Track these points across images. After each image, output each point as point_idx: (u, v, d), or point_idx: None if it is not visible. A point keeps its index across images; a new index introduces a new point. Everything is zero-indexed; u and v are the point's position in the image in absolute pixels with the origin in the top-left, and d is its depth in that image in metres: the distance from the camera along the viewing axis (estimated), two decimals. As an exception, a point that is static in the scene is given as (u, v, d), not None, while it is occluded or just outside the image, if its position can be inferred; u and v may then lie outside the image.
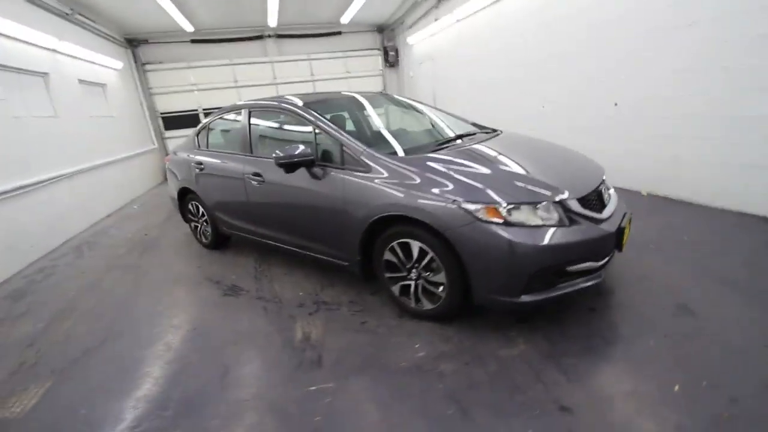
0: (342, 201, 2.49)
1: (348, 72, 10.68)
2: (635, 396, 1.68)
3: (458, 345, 2.13)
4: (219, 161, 3.52)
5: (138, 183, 7.96)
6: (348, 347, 2.22)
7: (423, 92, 9.62)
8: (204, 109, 9.75)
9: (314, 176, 2.64)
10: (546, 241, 1.92)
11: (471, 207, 1.98)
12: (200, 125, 3.96)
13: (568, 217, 2.03)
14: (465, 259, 2.02)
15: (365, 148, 2.47)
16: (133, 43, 8.80)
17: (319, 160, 2.63)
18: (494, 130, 3.20)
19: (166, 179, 5.01)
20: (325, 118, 2.74)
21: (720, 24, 3.32)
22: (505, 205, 1.95)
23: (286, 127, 3.16)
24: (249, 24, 9.14)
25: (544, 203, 1.99)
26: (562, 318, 2.26)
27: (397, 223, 2.29)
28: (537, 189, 2.07)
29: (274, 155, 2.65)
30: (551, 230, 1.96)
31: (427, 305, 2.33)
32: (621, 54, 4.28)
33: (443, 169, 2.21)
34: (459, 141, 2.84)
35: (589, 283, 2.08)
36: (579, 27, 4.78)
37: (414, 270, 2.31)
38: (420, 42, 9.22)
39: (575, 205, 2.08)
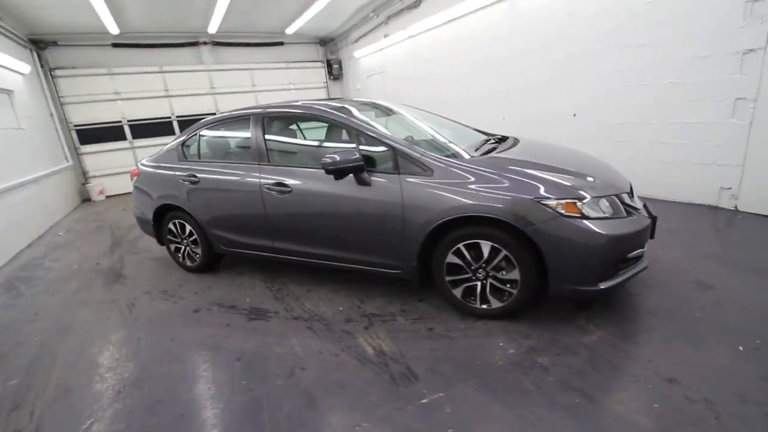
0: (400, 206, 2.42)
1: (292, 83, 10.40)
2: (717, 359, 1.90)
3: (540, 339, 2.20)
4: (221, 173, 3.17)
5: (55, 206, 6.73)
6: (431, 355, 2.14)
7: (372, 105, 9.75)
8: (129, 121, 8.66)
9: (362, 182, 2.53)
10: (618, 231, 2.10)
11: (552, 203, 2.08)
12: (186, 133, 3.52)
13: (624, 209, 2.25)
14: (546, 254, 2.11)
15: (425, 151, 2.45)
16: (39, 44, 7.50)
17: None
18: (506, 137, 3.38)
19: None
20: (368, 123, 2.66)
21: (667, 46, 3.99)
22: (586, 199, 2.09)
23: (314, 133, 2.99)
24: (185, 29, 8.42)
25: (609, 196, 2.19)
26: (612, 304, 2.47)
27: (465, 225, 2.30)
28: (598, 184, 2.26)
29: (323, 161, 2.47)
30: (618, 221, 2.15)
31: (495, 304, 2.37)
32: (578, 68, 4.88)
33: (510, 168, 2.30)
34: (490, 145, 2.95)
35: (640, 268, 2.31)
36: (536, 42, 5.33)
37: (481, 270, 2.34)
38: (368, 56, 9.38)
39: (627, 198, 2.32)
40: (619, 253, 2.13)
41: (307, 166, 2.79)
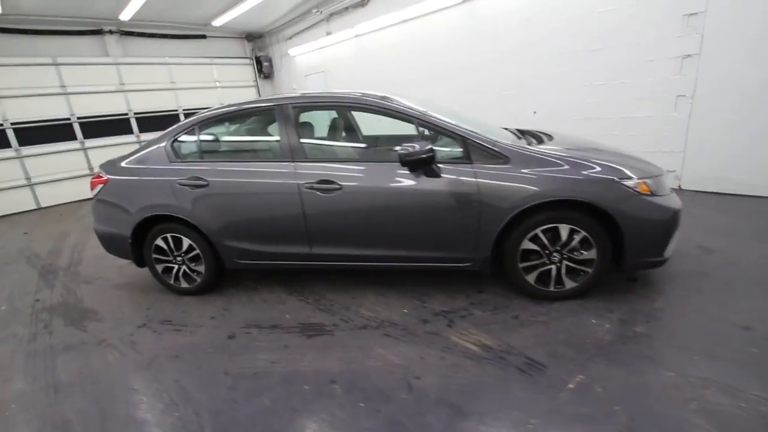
0: (477, 196, 2.36)
1: (217, 81, 9.43)
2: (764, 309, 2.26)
3: (621, 311, 2.35)
4: (240, 174, 2.72)
5: None
6: (537, 342, 2.14)
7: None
8: (14, 124, 6.90)
9: (431, 174, 2.41)
10: (675, 205, 2.36)
11: (630, 183, 2.25)
12: (177, 128, 2.93)
13: (666, 186, 2.54)
14: (625, 231, 2.27)
15: (497, 139, 2.43)
16: None
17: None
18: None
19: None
20: (430, 113, 2.54)
21: (618, 51, 4.62)
22: (653, 178, 2.30)
23: (357, 124, 2.73)
24: (88, 14, 7.04)
25: (660, 176, 2.44)
26: (646, 278, 2.76)
27: (543, 210, 2.35)
28: (650, 166, 2.50)
29: (401, 152, 2.28)
30: (669, 196, 2.41)
31: (570, 285, 2.47)
32: (538, 71, 5.36)
33: (581, 154, 2.41)
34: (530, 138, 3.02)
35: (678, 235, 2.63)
36: (495, 43, 5.71)
37: (556, 254, 2.42)
38: (306, 54, 8.99)
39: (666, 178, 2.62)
40: (676, 223, 2.40)
41: (360, 160, 2.56)
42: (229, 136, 3.06)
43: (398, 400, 1.82)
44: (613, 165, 2.32)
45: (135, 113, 8.28)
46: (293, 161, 2.64)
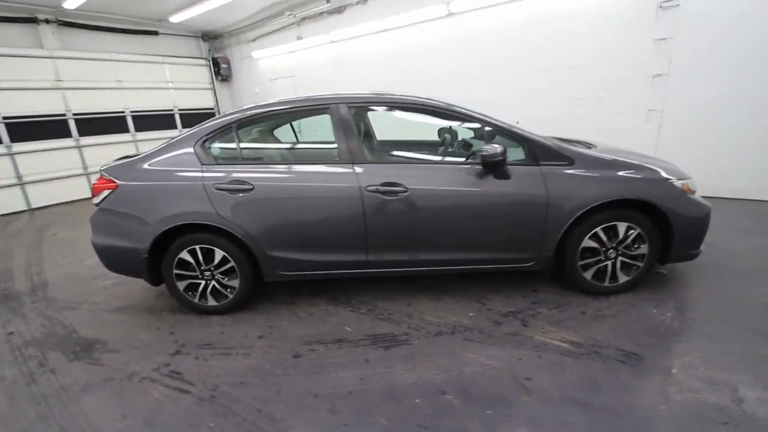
0: (545, 197, 2.42)
1: (170, 82, 8.64)
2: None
3: (671, 301, 2.54)
4: (292, 177, 2.50)
5: None
6: (618, 334, 2.22)
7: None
8: None
9: (502, 176, 2.43)
10: (707, 203, 2.63)
11: (678, 183, 2.47)
12: (206, 129, 2.61)
13: (692, 187, 2.83)
14: (675, 226, 2.47)
15: (560, 142, 2.51)
16: None
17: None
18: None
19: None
20: (492, 116, 2.55)
21: (597, 69, 5.09)
22: (691, 179, 2.54)
23: (420, 127, 2.65)
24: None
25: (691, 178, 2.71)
26: (672, 270, 3.04)
27: (602, 210, 2.47)
28: (682, 169, 2.77)
29: (484, 153, 2.26)
30: (700, 195, 2.69)
31: (622, 279, 2.61)
32: (522, 85, 5.71)
33: (633, 157, 2.59)
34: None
35: None
36: (477, 58, 5.99)
37: (612, 250, 2.56)
38: (272, 58, 8.62)
39: None
40: (709, 220, 2.67)
41: (427, 162, 2.49)
42: (270, 136, 2.80)
43: (522, 403, 1.78)
44: (661, 167, 2.54)
45: (74, 114, 7.24)
46: (352, 163, 2.49)
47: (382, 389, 1.93)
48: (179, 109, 8.72)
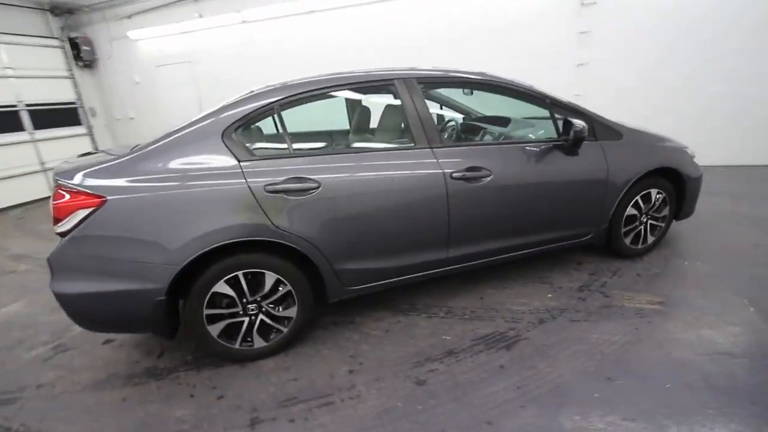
0: (605, 171, 2.50)
1: (8, 68, 6.35)
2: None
3: (693, 253, 2.91)
4: (364, 167, 2.02)
5: None
6: (684, 287, 2.45)
7: (167, 102, 7.49)
8: None
9: (572, 153, 2.41)
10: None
11: (689, 151, 2.83)
12: (236, 113, 1.93)
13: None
14: (688, 189, 2.83)
15: (607, 118, 2.60)
16: None
17: (564, 136, 2.43)
18: None
19: None
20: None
21: (531, 59, 5.56)
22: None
23: (482, 105, 2.39)
24: None
25: None
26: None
27: (641, 179, 2.67)
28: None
29: (575, 129, 2.16)
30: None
31: (650, 240, 2.89)
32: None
33: (653, 131, 2.85)
34: None
35: None
36: (412, 45, 5.96)
37: (644, 215, 2.80)
38: (158, 39, 7.08)
39: None
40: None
41: (506, 142, 2.30)
42: (324, 118, 2.21)
43: (695, 363, 1.79)
44: (675, 142, 2.87)
45: None
46: (430, 147, 2.15)
47: (549, 392, 1.73)
48: (26, 104, 6.48)
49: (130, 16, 7.02)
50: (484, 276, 2.74)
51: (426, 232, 2.19)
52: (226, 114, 1.93)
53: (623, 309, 2.30)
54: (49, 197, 1.75)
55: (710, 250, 2.95)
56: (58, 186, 1.75)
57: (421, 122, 2.15)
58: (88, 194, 1.69)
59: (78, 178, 1.73)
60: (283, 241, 1.90)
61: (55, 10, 6.96)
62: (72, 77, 7.33)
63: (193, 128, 1.90)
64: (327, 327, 2.34)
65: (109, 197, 1.70)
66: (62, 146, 7.02)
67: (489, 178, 2.21)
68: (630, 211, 2.71)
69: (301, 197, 1.90)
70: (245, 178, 1.84)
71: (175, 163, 1.82)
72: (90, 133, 7.61)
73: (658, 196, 2.76)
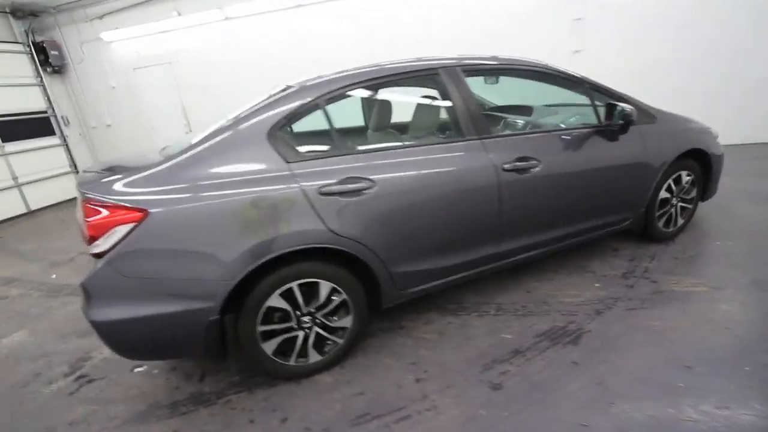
0: (645, 155, 2.48)
1: (-32, 75, 5.84)
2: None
3: (717, 232, 2.95)
4: (417, 163, 1.91)
5: None
6: (727, 267, 2.45)
7: (146, 107, 7.11)
8: None
9: (613, 138, 2.37)
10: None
11: (713, 131, 2.85)
12: (282, 110, 1.77)
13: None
14: (714, 169, 2.85)
15: (640, 101, 2.57)
16: None
17: (605, 120, 2.39)
18: None
19: None
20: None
21: (530, 48, 5.55)
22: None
23: (527, 91, 2.31)
24: None
25: None
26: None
27: (674, 162, 2.67)
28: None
29: (625, 113, 2.11)
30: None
31: (680, 222, 2.90)
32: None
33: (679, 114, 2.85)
34: None
35: None
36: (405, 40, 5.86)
37: (675, 198, 2.81)
38: (134, 40, 6.69)
39: None
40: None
41: (550, 130, 2.23)
42: (372, 111, 2.07)
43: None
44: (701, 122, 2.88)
45: None
46: (479, 138, 2.05)
47: (632, 386, 1.67)
48: (-7, 115, 5.99)
49: (101, 17, 6.59)
50: (524, 269, 2.68)
51: (479, 227, 2.10)
52: (268, 113, 1.76)
53: (673, 294, 2.28)
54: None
55: (734, 228, 2.99)
56: (88, 200, 1.55)
57: (468, 113, 2.05)
58: (127, 208, 1.51)
59: (115, 191, 1.54)
60: (340, 247, 1.76)
61: (17, 13, 6.44)
62: (41, 84, 6.82)
63: (234, 131, 1.73)
64: (375, 334, 2.22)
65: (151, 210, 1.52)
66: (36, 159, 6.55)
67: (538, 168, 2.13)
68: (663, 194, 2.70)
69: (355, 198, 1.77)
70: (297, 181, 1.69)
71: (220, 169, 1.65)
72: (65, 143, 7.12)
73: (687, 178, 2.77)
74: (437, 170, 1.95)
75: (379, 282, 1.93)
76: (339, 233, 1.75)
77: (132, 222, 1.50)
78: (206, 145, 1.69)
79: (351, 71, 1.96)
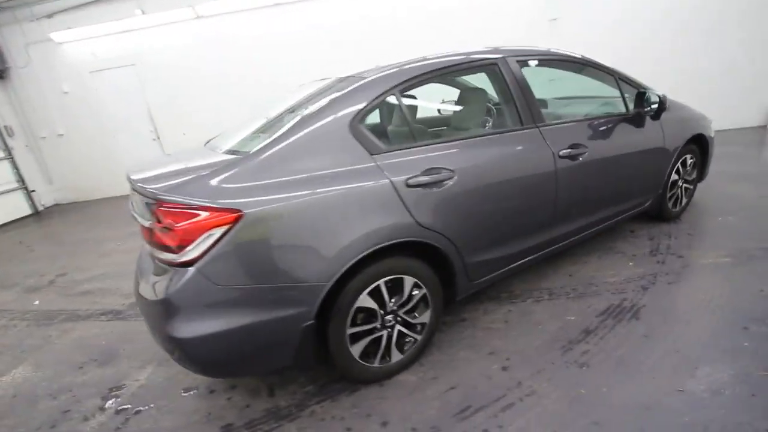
0: (663, 140, 2.67)
1: None
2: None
3: (717, 206, 3.24)
4: (491, 150, 1.93)
5: None
6: (740, 239, 2.69)
7: (106, 113, 6.54)
8: None
9: (639, 125, 2.53)
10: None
11: (711, 120, 3.14)
12: (365, 95, 1.71)
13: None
14: (709, 151, 3.14)
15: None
16: None
17: (634, 108, 2.56)
18: None
19: None
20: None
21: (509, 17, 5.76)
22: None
23: (567, 82, 2.39)
24: None
25: None
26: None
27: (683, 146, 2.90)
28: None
29: (663, 98, 2.25)
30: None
31: (684, 201, 3.15)
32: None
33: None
34: None
35: None
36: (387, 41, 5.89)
37: (681, 180, 3.05)
38: (92, 40, 6.11)
39: None
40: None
41: (593, 118, 2.34)
42: (434, 101, 2.03)
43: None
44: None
45: None
46: (537, 126, 2.10)
47: (707, 350, 1.79)
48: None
49: (50, 15, 5.96)
50: (558, 256, 2.74)
51: (539, 213, 2.15)
52: (346, 105, 1.68)
53: (702, 266, 2.48)
54: None
55: (729, 206, 3.30)
56: (171, 205, 1.38)
57: (526, 102, 2.10)
58: (222, 209, 1.36)
59: (205, 192, 1.39)
60: (425, 240, 1.72)
61: (-53, 9, 5.64)
62: (-22, 90, 6.02)
63: (313, 124, 1.62)
64: (440, 329, 2.18)
65: (246, 211, 1.39)
66: (-23, 175, 5.76)
67: (586, 154, 2.23)
68: (674, 176, 2.93)
69: (437, 189, 1.74)
70: (385, 174, 1.63)
71: (307, 165, 1.55)
72: (9, 156, 6.34)
73: (690, 161, 3.03)
74: (507, 158, 1.99)
75: (455, 273, 1.91)
76: (425, 226, 1.71)
77: (226, 224, 1.37)
78: (289, 140, 1.57)
79: (416, 62, 1.93)
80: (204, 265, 1.36)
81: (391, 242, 1.63)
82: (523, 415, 1.59)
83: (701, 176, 3.26)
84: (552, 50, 2.44)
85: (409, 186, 1.67)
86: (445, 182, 1.76)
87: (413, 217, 1.67)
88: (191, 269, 1.36)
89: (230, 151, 1.70)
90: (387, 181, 1.63)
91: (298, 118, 1.65)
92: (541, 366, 1.83)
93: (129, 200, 1.89)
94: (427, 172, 1.72)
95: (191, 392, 1.97)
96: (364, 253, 1.56)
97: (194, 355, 1.44)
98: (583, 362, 1.83)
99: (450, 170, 1.77)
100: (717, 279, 2.32)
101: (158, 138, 6.75)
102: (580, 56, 2.49)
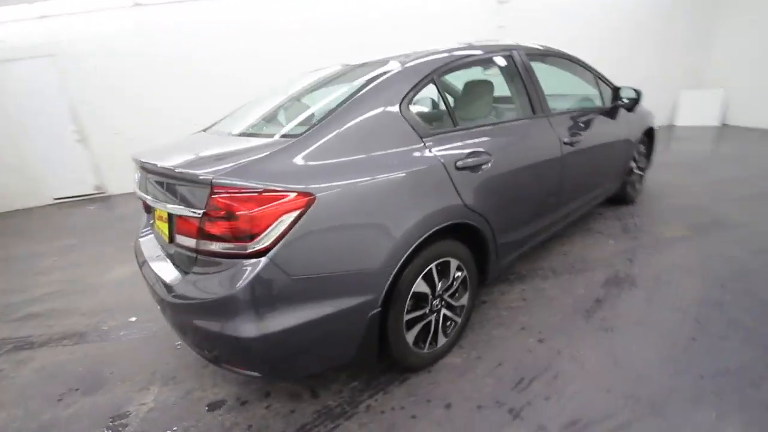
0: (629, 131, 3.02)
1: None
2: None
3: (663, 181, 3.74)
4: (519, 136, 2.08)
5: None
6: (691, 215, 3.16)
7: (14, 110, 5.60)
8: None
9: (614, 116, 2.83)
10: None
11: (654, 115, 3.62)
12: (409, 77, 1.69)
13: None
14: (655, 139, 3.63)
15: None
16: None
17: (608, 102, 2.87)
18: None
19: None
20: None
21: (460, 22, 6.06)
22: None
23: (556, 76, 2.56)
24: None
25: None
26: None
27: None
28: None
29: (639, 95, 2.53)
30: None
31: (638, 185, 3.60)
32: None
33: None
34: None
35: None
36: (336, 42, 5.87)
37: (636, 166, 3.48)
38: (-3, 25, 5.17)
39: None
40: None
41: (584, 109, 2.58)
42: (473, 89, 2.07)
43: None
44: None
45: None
46: (545, 116, 2.26)
47: (707, 307, 2.06)
48: None
49: (-62, -8, 4.94)
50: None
51: (550, 195, 2.31)
52: (392, 88, 1.65)
53: (670, 239, 2.85)
54: None
55: (670, 190, 3.85)
56: (235, 189, 1.23)
57: (536, 92, 2.24)
58: (291, 195, 1.26)
59: (273, 175, 1.27)
60: (470, 222, 1.76)
61: None
62: None
63: (366, 106, 1.56)
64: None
65: (318, 195, 1.30)
66: None
67: (582, 142, 2.45)
68: (632, 164, 3.33)
69: (479, 172, 1.79)
70: (437, 157, 1.63)
71: (364, 147, 1.49)
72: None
73: (643, 150, 3.47)
74: (529, 143, 2.11)
75: (488, 254, 1.97)
76: (471, 207, 1.74)
77: (298, 209, 1.26)
78: (347, 123, 1.49)
79: (451, 48, 1.97)
80: (276, 254, 1.24)
81: (445, 224, 1.64)
82: (574, 380, 1.69)
83: (647, 164, 3.75)
84: (549, 47, 2.63)
85: (458, 169, 1.69)
86: (484, 165, 1.81)
87: (462, 200, 1.70)
88: (263, 259, 1.23)
89: (266, 135, 1.57)
90: (440, 164, 1.63)
91: (345, 102, 1.58)
92: (573, 335, 1.97)
93: (141, 190, 1.66)
94: (472, 155, 1.76)
95: (221, 407, 1.77)
96: (425, 236, 1.55)
97: (263, 355, 1.30)
98: (607, 327, 2.00)
99: (488, 154, 1.83)
100: (686, 248, 2.69)
101: (83, 139, 5.93)
102: (568, 54, 2.71)
